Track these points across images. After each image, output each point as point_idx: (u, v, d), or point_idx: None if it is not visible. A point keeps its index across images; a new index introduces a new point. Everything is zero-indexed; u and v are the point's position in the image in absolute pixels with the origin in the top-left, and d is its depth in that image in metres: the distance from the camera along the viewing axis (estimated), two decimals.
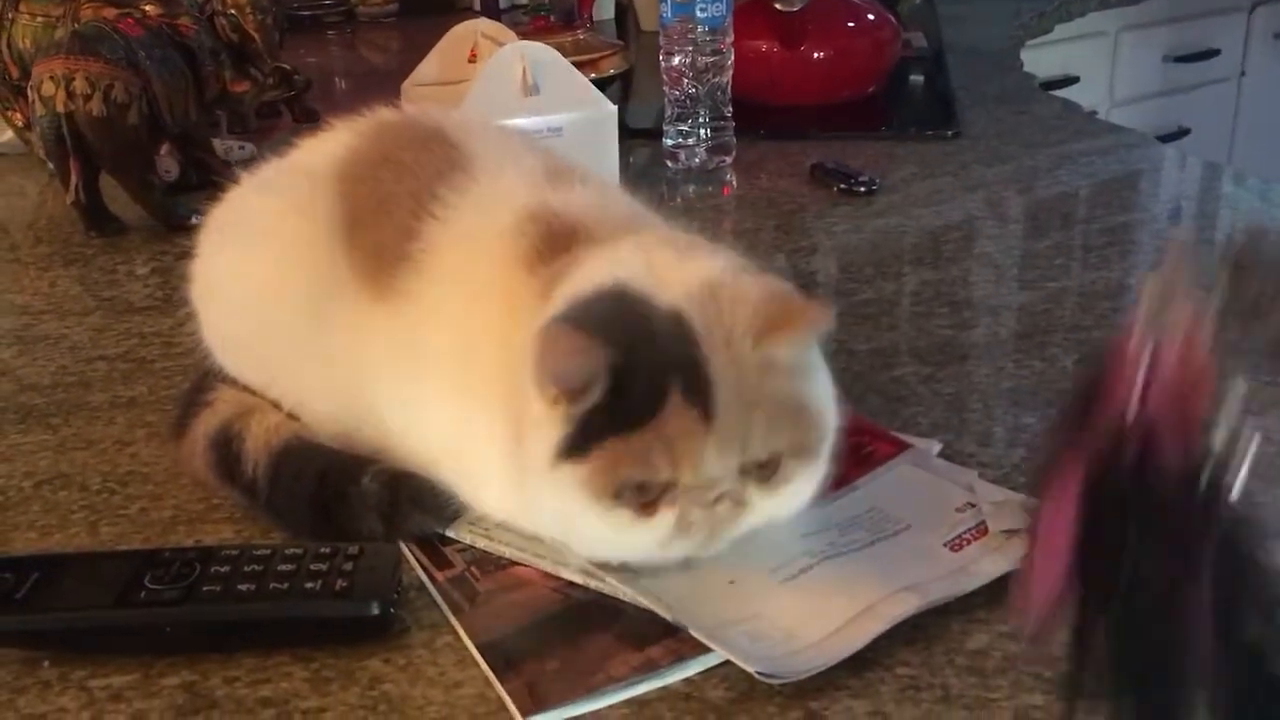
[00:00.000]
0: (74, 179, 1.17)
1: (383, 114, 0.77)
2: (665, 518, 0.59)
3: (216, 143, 1.40)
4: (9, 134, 1.49)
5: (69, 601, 0.59)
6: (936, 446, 0.75)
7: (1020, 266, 1.05)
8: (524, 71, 1.19)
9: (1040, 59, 2.11)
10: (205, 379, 0.78)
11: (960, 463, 0.74)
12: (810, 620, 0.59)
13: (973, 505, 0.67)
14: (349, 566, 0.61)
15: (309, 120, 1.68)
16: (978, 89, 1.71)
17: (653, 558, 0.61)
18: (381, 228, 0.70)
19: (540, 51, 1.22)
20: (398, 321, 0.68)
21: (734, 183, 1.37)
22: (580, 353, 0.56)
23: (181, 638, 0.59)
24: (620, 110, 1.66)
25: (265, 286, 0.72)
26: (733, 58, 1.38)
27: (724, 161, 1.39)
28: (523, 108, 1.19)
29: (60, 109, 1.13)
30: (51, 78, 1.13)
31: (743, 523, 0.61)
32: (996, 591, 0.61)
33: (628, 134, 1.49)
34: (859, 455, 0.73)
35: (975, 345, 0.91)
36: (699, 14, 1.33)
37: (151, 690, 0.58)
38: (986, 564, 0.62)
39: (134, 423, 0.84)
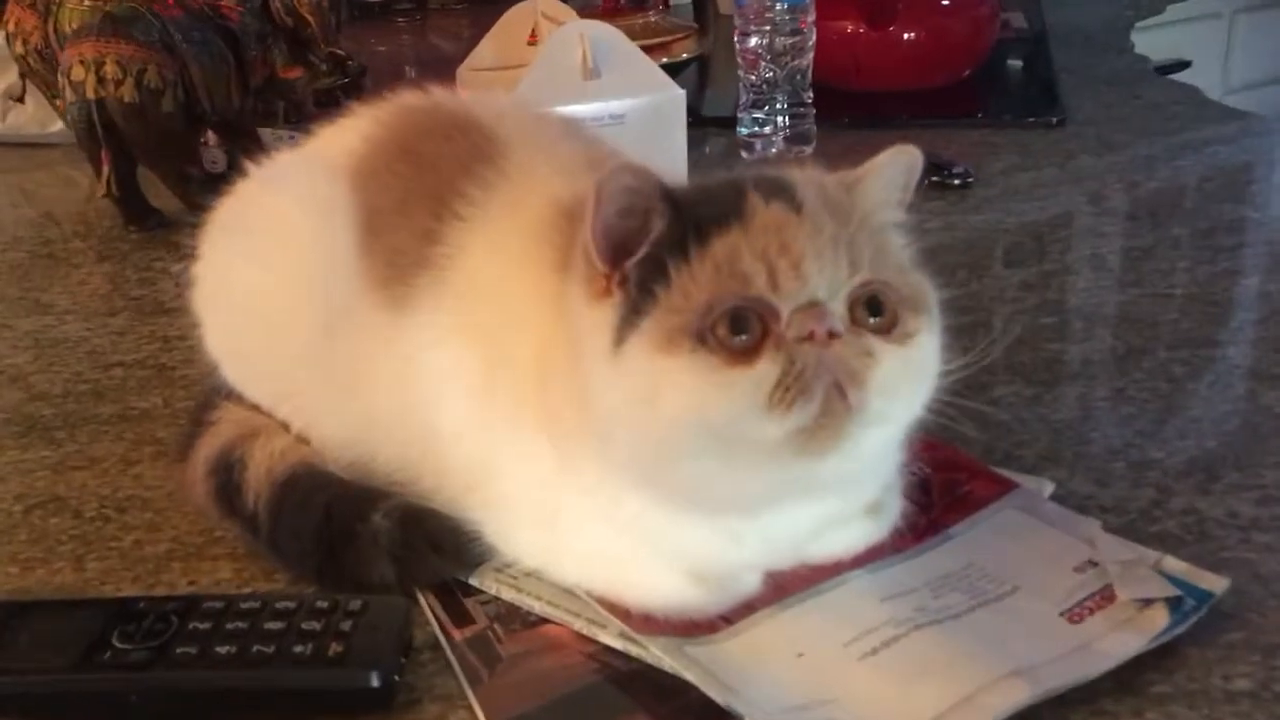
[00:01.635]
0: (106, 170, 1.10)
1: (406, 99, 0.67)
2: (768, 362, 0.47)
3: (264, 133, 1.33)
4: (60, 123, 1.43)
5: (26, 660, 0.51)
6: (1049, 487, 0.63)
7: (1136, 269, 0.93)
8: (584, 53, 1.10)
9: (1149, 42, 1.95)
10: (213, 395, 0.69)
11: (1078, 506, 0.63)
12: (895, 710, 0.48)
13: (1095, 564, 0.56)
14: (347, 626, 0.52)
15: None
16: (1084, 72, 1.58)
17: (764, 445, 0.47)
18: (400, 229, 0.61)
19: (602, 31, 1.12)
20: (417, 336, 0.59)
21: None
22: (632, 184, 0.48)
23: (151, 707, 0.50)
24: (695, 97, 1.58)
25: (272, 294, 0.64)
26: (814, 39, 1.26)
27: (803, 152, 1.28)
28: (582, 92, 1.10)
29: (90, 95, 1.06)
30: (81, 62, 1.06)
31: (869, 383, 0.47)
32: (1126, 677, 0.50)
33: (702, 122, 1.40)
34: (953, 496, 0.62)
35: (1088, 362, 0.79)
36: None
37: None
38: (1114, 641, 0.51)
39: (143, 438, 0.77)
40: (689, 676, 0.50)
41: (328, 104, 1.60)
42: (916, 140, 1.29)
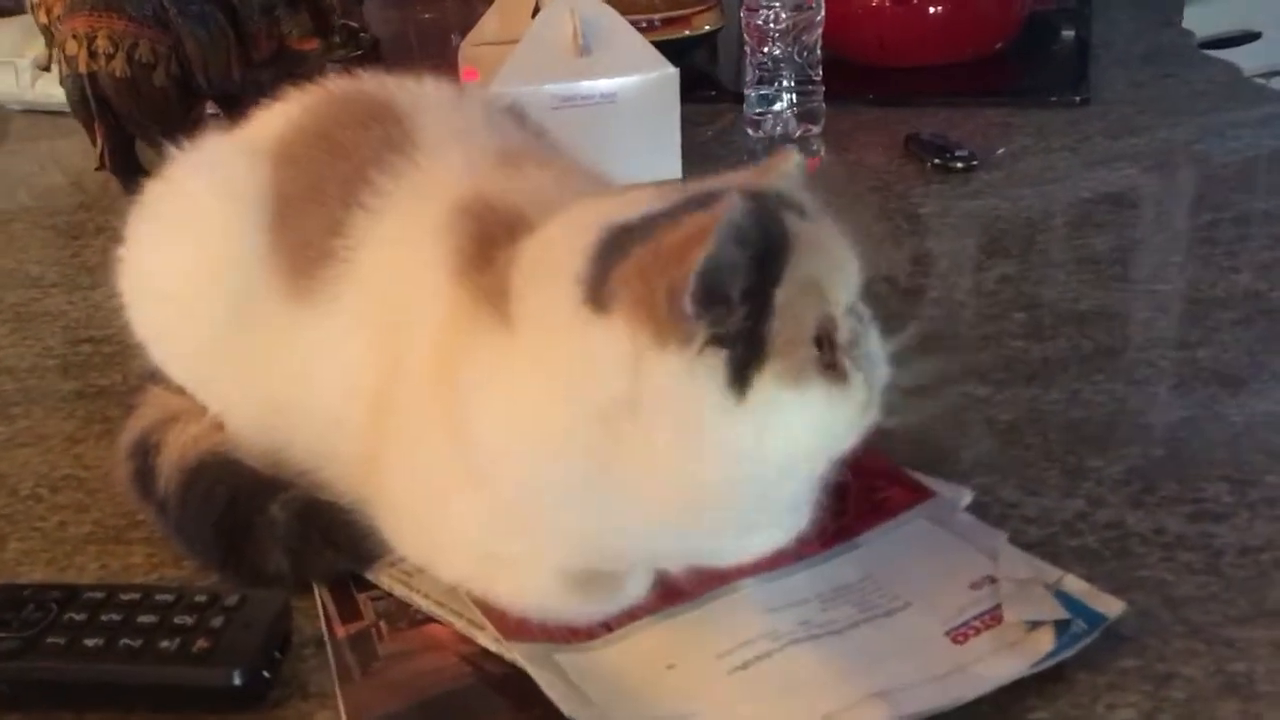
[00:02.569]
0: (100, 143, 1.11)
1: (333, 84, 0.67)
2: (854, 372, 0.49)
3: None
4: None
5: None
6: (966, 497, 0.61)
7: (1126, 263, 0.89)
8: (575, 30, 1.08)
9: (1215, 12, 1.87)
10: (143, 376, 0.70)
11: (998, 515, 0.61)
12: None
13: (993, 580, 0.54)
14: (219, 622, 0.52)
15: None
16: (1124, 47, 1.52)
17: (847, 445, 0.51)
18: (309, 218, 0.60)
19: (593, 8, 1.10)
20: (318, 328, 0.59)
21: (822, 154, 1.23)
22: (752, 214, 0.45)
23: (20, 696, 0.51)
24: (711, 71, 1.55)
25: (186, 278, 0.64)
26: (822, 15, 1.23)
27: (810, 130, 1.25)
28: (572, 70, 1.08)
29: (83, 69, 1.07)
30: (74, 36, 1.07)
31: (885, 371, 0.51)
32: (1006, 701, 0.48)
33: (722, 96, 1.37)
34: (870, 502, 0.60)
35: (1049, 361, 0.76)
36: None
37: None
38: (995, 664, 0.49)
39: (93, 417, 0.78)
40: (542, 686, 0.49)
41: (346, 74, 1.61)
42: (931, 120, 1.27)
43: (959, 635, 0.51)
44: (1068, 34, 1.61)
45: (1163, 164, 1.10)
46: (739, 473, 0.48)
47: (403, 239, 0.57)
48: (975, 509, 0.61)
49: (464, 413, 0.51)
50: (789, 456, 0.48)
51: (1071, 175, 1.09)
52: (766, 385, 0.46)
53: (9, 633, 0.51)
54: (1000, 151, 1.17)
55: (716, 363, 0.46)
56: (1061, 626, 0.50)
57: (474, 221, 0.55)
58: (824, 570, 0.56)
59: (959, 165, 1.12)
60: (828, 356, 0.47)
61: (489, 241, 0.54)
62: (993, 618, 0.52)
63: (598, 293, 0.47)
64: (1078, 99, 1.29)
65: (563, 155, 0.68)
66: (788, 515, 0.55)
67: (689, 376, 0.46)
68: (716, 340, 0.46)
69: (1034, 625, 0.51)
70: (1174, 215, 0.99)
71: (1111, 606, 0.51)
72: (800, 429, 0.48)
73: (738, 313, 0.46)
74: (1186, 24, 1.66)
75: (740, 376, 0.46)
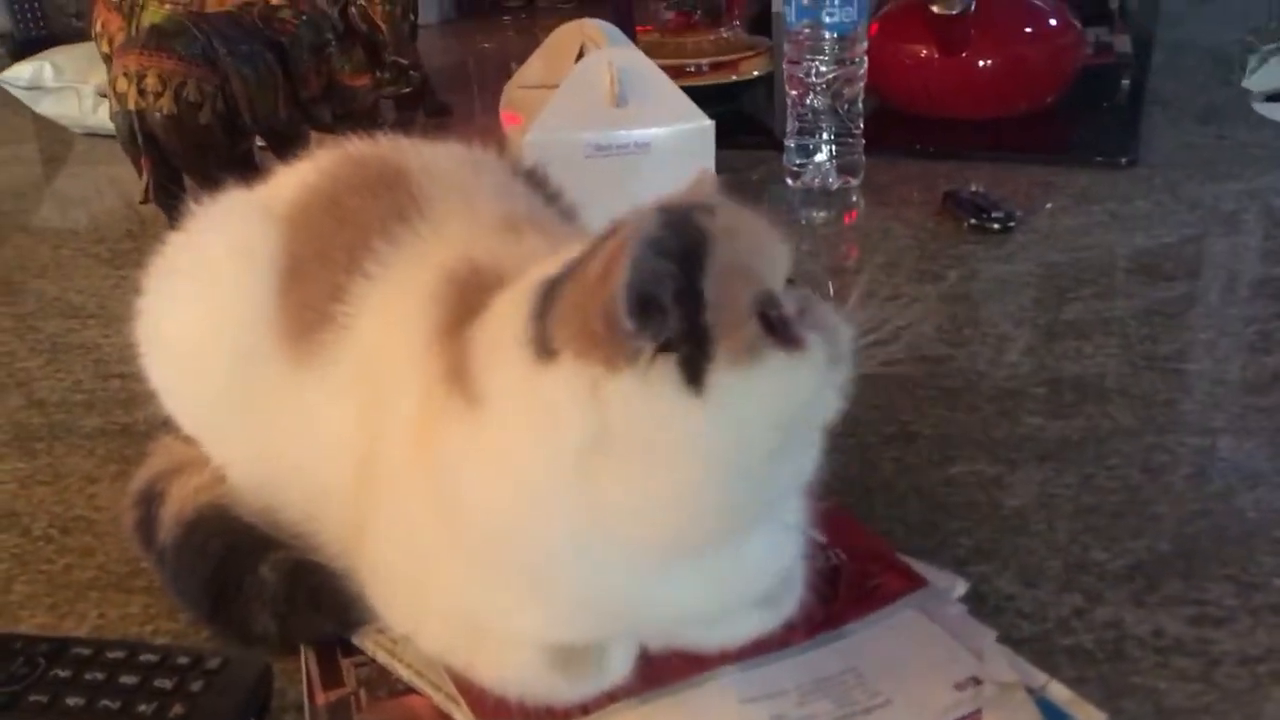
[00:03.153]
0: (145, 177, 1.14)
1: (350, 147, 0.67)
2: (812, 336, 0.48)
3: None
4: None
5: None
6: (960, 587, 0.60)
7: (1155, 340, 0.87)
8: (611, 80, 1.08)
9: None
10: (160, 425, 0.71)
11: (994, 606, 0.59)
12: None
13: (978, 681, 0.53)
14: (198, 686, 0.52)
15: (440, 115, 1.63)
16: (1180, 105, 1.50)
17: (832, 412, 0.50)
18: (314, 281, 0.61)
19: (632, 59, 1.11)
20: (315, 392, 0.59)
21: (861, 206, 1.23)
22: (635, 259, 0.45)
23: None
24: (763, 115, 1.55)
25: (196, 332, 0.64)
26: (865, 69, 1.23)
27: (849, 182, 1.25)
28: (608, 120, 1.09)
29: (131, 106, 1.10)
30: (125, 74, 1.10)
31: (847, 331, 0.51)
32: None
33: (764, 145, 1.37)
34: (862, 589, 0.60)
35: (1065, 441, 0.75)
36: (826, 19, 1.19)
37: None
38: None
39: (111, 456, 0.79)
40: None
41: (406, 108, 1.63)
42: (974, 175, 1.26)
43: None
44: (1126, 86, 1.59)
45: (1204, 233, 1.08)
46: (724, 467, 0.47)
47: (394, 308, 0.57)
48: (970, 599, 0.60)
49: (445, 489, 0.51)
50: (768, 432, 0.47)
51: (1108, 241, 1.07)
52: (721, 372, 0.46)
53: None
54: (1048, 207, 1.15)
55: (669, 368, 0.46)
56: None
57: (458, 291, 0.55)
58: (807, 660, 0.55)
59: (995, 226, 1.11)
60: (778, 328, 0.47)
61: (469, 312, 0.54)
62: None
63: (543, 346, 0.47)
64: (1124, 160, 1.27)
65: (573, 220, 0.68)
66: (787, 527, 0.55)
67: (647, 390, 0.46)
68: (663, 348, 0.46)
69: None
70: (1209, 288, 0.97)
71: (1094, 718, 0.50)
72: (769, 400, 0.47)
73: (674, 315, 0.46)
74: (1257, 81, 1.64)
75: (694, 373, 0.46)
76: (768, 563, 0.54)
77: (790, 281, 0.50)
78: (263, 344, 0.62)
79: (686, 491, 0.47)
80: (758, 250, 0.49)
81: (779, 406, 0.47)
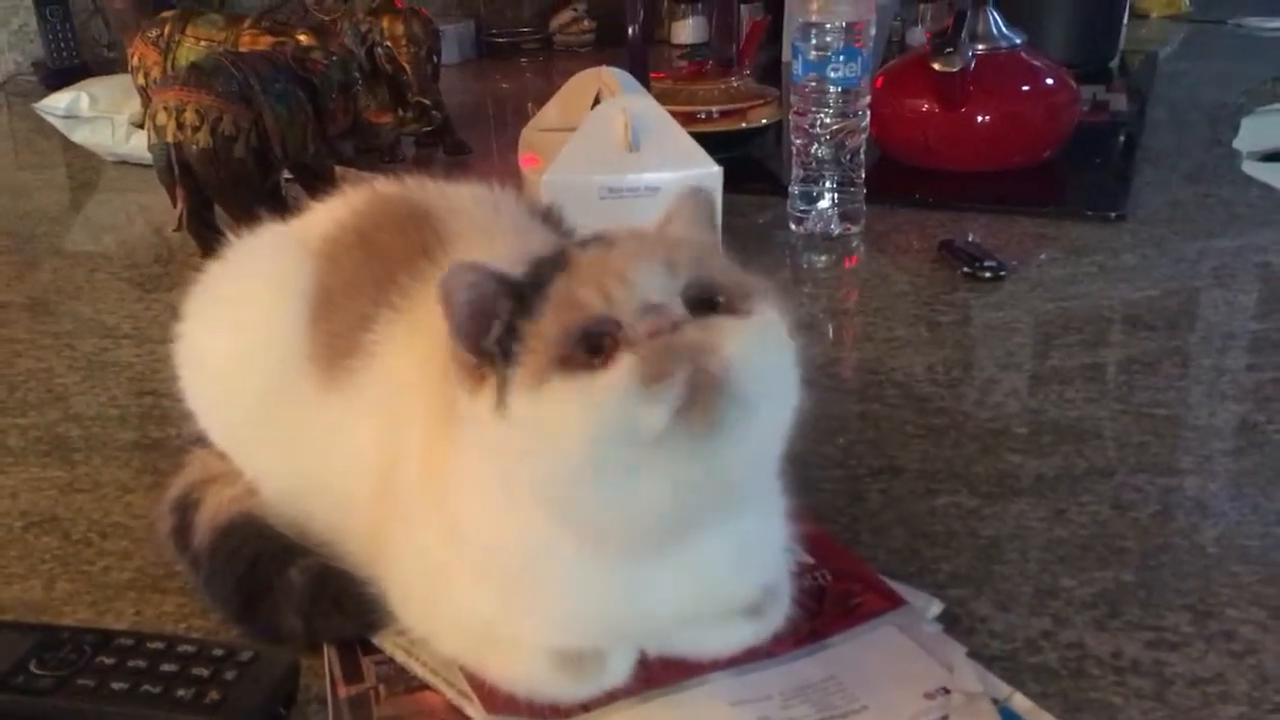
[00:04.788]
0: (180, 207, 1.19)
1: (379, 186, 0.73)
2: (624, 357, 0.49)
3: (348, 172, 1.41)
4: None
5: None
6: (936, 607, 0.65)
7: (1130, 383, 0.92)
8: (625, 126, 1.14)
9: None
10: (194, 440, 0.76)
11: (967, 629, 0.64)
12: None
13: (946, 691, 0.58)
14: (232, 675, 0.57)
15: (459, 153, 1.69)
16: (1169, 162, 1.56)
17: (654, 437, 0.49)
18: (343, 312, 0.66)
19: (644, 107, 1.17)
20: (340, 414, 0.64)
21: (861, 252, 1.28)
22: (471, 279, 0.53)
23: None
24: (770, 162, 1.61)
25: (232, 356, 0.70)
26: (867, 121, 1.28)
27: (850, 229, 1.30)
28: (621, 164, 1.14)
29: (170, 139, 1.15)
30: (165, 108, 1.16)
31: (722, 351, 0.49)
32: None
33: (770, 190, 1.43)
34: (843, 605, 0.64)
35: (1041, 478, 0.79)
36: (831, 74, 1.25)
37: None
38: None
39: (146, 468, 0.84)
40: None
41: (427, 145, 1.70)
42: (970, 225, 1.31)
43: None
44: (1121, 142, 1.65)
45: (1185, 287, 1.13)
46: (547, 480, 0.52)
47: (415, 339, 0.62)
48: (945, 619, 0.64)
49: (449, 506, 0.56)
50: (573, 448, 0.50)
51: (1095, 292, 1.12)
52: (516, 396, 0.51)
53: (46, 670, 0.57)
54: (1040, 259, 1.21)
55: (490, 393, 0.53)
56: None
57: None
58: (791, 668, 0.60)
59: (987, 275, 1.16)
60: (584, 357, 0.50)
61: None
62: None
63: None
64: (1113, 214, 1.33)
65: None
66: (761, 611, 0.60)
67: (482, 412, 0.53)
68: (491, 375, 0.53)
69: None
70: (1187, 338, 1.02)
71: None
72: (560, 420, 0.50)
73: (496, 348, 0.53)
74: (1245, 141, 1.70)
75: (501, 397, 0.52)
76: (735, 575, 0.59)
77: (714, 302, 0.51)
78: (294, 369, 0.67)
79: (547, 500, 0.53)
80: (601, 282, 0.51)
81: (570, 425, 0.50)
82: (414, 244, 0.66)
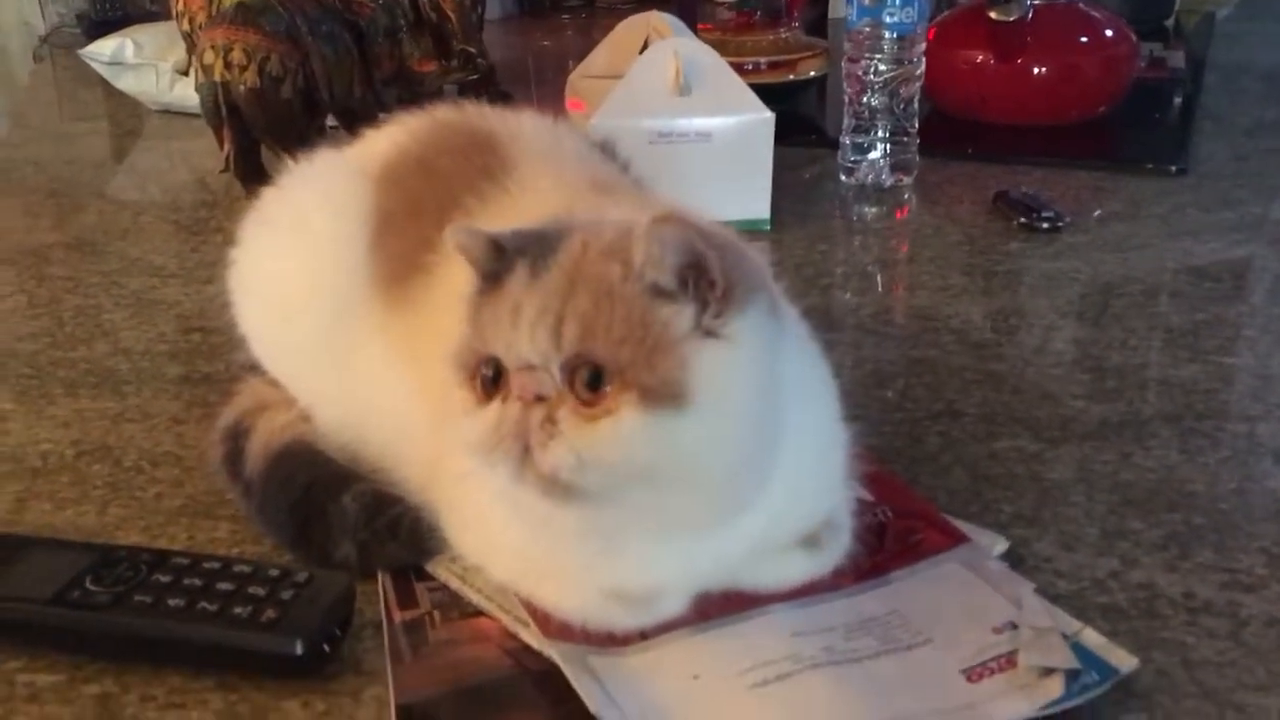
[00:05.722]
0: (227, 147, 1.19)
1: (438, 113, 0.72)
2: (492, 409, 0.50)
3: None
4: None
5: (11, 590, 0.57)
6: (1001, 545, 0.63)
7: (1198, 334, 0.90)
8: (676, 70, 1.12)
9: None
10: (242, 367, 0.75)
11: (1031, 568, 0.63)
12: None
13: (1015, 626, 0.56)
14: (288, 595, 0.56)
15: (502, 104, 1.67)
16: (1229, 119, 1.52)
17: (482, 464, 0.52)
18: (405, 234, 0.65)
19: (697, 50, 1.14)
20: (400, 336, 0.63)
21: (913, 204, 1.26)
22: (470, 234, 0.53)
23: (105, 646, 0.56)
24: (816, 116, 1.59)
25: (289, 281, 0.69)
26: (922, 69, 1.26)
27: (902, 180, 1.28)
28: (671, 108, 1.13)
29: (217, 78, 1.15)
30: (213, 46, 1.15)
31: (548, 450, 0.49)
32: None
33: (817, 143, 1.41)
34: (905, 543, 0.63)
35: (1105, 423, 0.77)
36: (887, 19, 1.22)
37: (69, 696, 0.55)
38: (1002, 704, 0.51)
39: (195, 401, 0.84)
40: (576, 684, 0.53)
41: (467, 98, 1.68)
42: (1024, 179, 1.28)
43: (974, 674, 0.53)
44: (1178, 101, 1.61)
45: (1250, 239, 1.10)
46: None
47: None
48: (1009, 559, 0.63)
49: None
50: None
51: (1157, 244, 1.09)
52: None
53: (103, 587, 0.57)
54: (1097, 214, 1.18)
55: None
56: (1072, 676, 0.52)
57: None
58: (853, 602, 0.59)
59: (1044, 225, 1.13)
60: (484, 380, 0.51)
61: None
62: (1009, 661, 0.54)
63: None
64: (1174, 169, 1.30)
65: (650, 189, 0.72)
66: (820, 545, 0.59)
67: None
68: None
69: (1047, 672, 0.53)
70: (1254, 291, 0.99)
71: (1125, 661, 0.53)
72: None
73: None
74: None
75: None
76: (792, 508, 0.57)
77: (590, 368, 0.49)
78: (351, 292, 0.66)
79: None
80: (507, 320, 0.50)
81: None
82: (477, 167, 0.65)
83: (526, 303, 0.50)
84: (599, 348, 0.49)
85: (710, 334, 0.50)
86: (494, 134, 0.68)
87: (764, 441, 0.53)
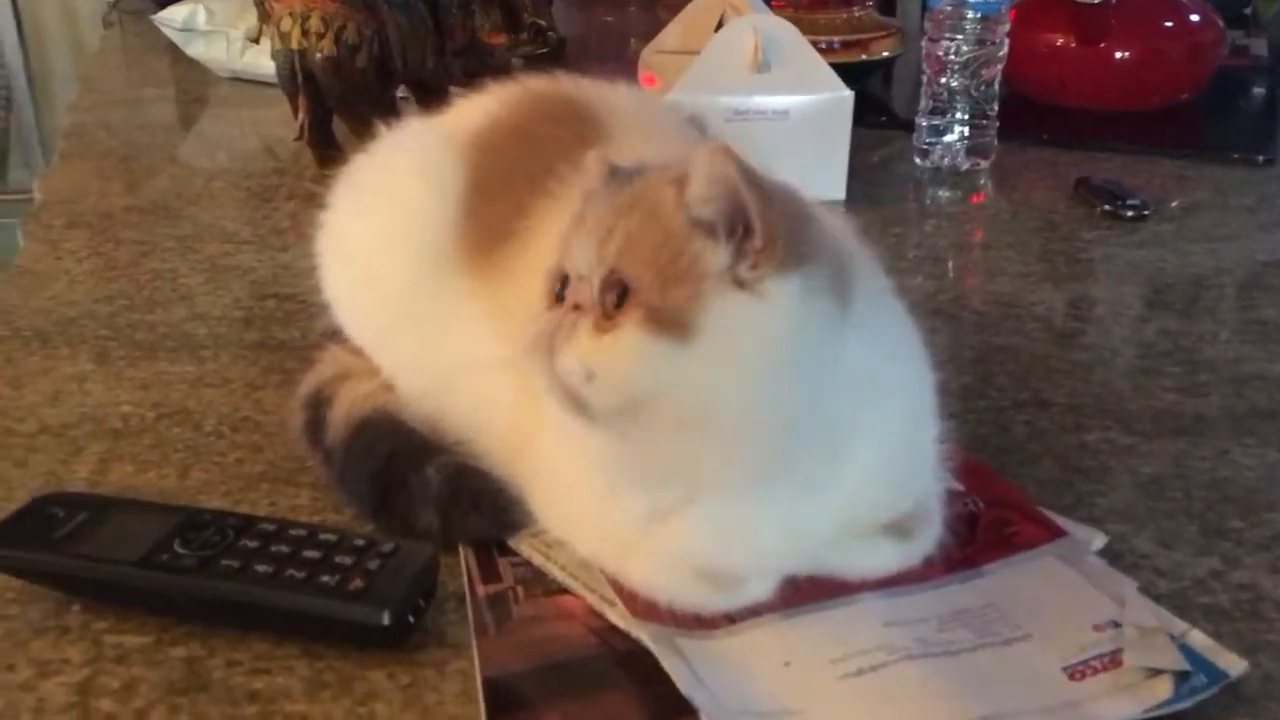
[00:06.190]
0: (301, 115, 1.18)
1: (532, 83, 0.71)
2: (545, 314, 0.53)
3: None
4: None
5: (100, 551, 0.57)
6: (1099, 540, 0.61)
7: None
8: (755, 46, 1.10)
9: None
10: (324, 334, 0.75)
11: (1129, 565, 0.61)
12: None
13: (1118, 625, 0.54)
14: (374, 565, 0.56)
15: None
16: None
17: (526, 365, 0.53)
18: (497, 202, 0.64)
19: (776, 27, 1.12)
20: (487, 304, 0.63)
21: (989, 189, 1.23)
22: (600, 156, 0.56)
23: (193, 609, 0.56)
24: (885, 97, 1.56)
25: (378, 247, 0.69)
26: (1005, 50, 1.23)
27: (979, 164, 1.25)
28: (748, 85, 1.11)
29: (294, 46, 1.14)
30: (290, 14, 1.14)
31: (561, 355, 0.51)
32: None
33: (887, 124, 1.38)
34: (999, 534, 0.61)
35: (1201, 418, 0.75)
36: None
37: (156, 658, 0.55)
38: (1107, 705, 0.50)
39: (272, 367, 0.84)
40: (666, 665, 0.52)
41: (534, 72, 1.67)
42: (1105, 166, 1.25)
43: (1076, 672, 0.52)
44: (1259, 91, 1.57)
45: None
46: None
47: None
48: (1106, 555, 0.61)
49: None
50: None
51: (1246, 235, 1.06)
52: None
53: (190, 551, 0.56)
54: (1176, 203, 1.15)
55: None
56: (1181, 678, 0.50)
57: None
58: (945, 593, 0.57)
59: (1129, 214, 1.11)
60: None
61: None
62: (1112, 660, 0.52)
63: None
64: (1261, 158, 1.26)
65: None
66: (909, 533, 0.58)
67: None
68: None
69: (1153, 673, 0.51)
70: None
71: (1234, 665, 0.51)
72: None
73: None
74: None
75: None
76: (880, 493, 0.57)
77: (619, 286, 0.51)
78: (440, 259, 0.66)
79: None
80: (565, 239, 0.54)
81: None
82: (572, 135, 0.64)
83: (591, 216, 0.52)
84: (629, 265, 0.50)
85: (740, 284, 0.49)
86: (590, 104, 0.67)
87: (791, 411, 0.52)
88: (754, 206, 0.49)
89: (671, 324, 0.49)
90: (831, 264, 0.52)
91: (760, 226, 0.49)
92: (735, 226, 0.49)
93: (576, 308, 0.51)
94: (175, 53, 1.73)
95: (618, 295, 0.50)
